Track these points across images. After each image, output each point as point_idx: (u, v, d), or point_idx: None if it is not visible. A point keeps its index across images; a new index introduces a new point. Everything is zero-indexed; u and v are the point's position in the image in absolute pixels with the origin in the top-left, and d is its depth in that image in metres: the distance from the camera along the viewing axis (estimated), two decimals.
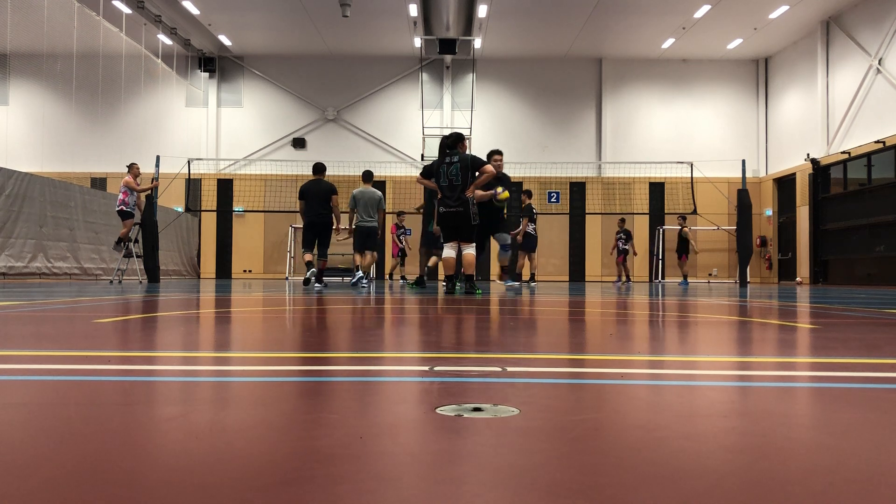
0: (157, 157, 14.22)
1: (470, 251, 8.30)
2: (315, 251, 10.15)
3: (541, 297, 7.73)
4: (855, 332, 3.43)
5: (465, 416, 1.32)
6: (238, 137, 22.86)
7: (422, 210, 11.89)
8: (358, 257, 11.18)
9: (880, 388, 1.77)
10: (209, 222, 22.49)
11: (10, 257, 12.66)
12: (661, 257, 21.49)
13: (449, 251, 8.37)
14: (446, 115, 22.61)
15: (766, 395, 1.66)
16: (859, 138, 17.87)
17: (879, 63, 17.19)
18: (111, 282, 12.86)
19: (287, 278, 20.46)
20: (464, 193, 8.17)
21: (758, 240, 22.20)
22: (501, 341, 2.94)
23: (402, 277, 15.51)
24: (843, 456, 1.08)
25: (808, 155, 19.63)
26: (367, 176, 11.16)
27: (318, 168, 10.21)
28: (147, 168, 14.04)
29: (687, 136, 22.66)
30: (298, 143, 22.78)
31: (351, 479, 0.93)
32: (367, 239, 10.99)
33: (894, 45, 16.78)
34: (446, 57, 21.82)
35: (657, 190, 22.32)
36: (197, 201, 21.36)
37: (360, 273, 10.89)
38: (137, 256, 12.88)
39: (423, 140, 21.16)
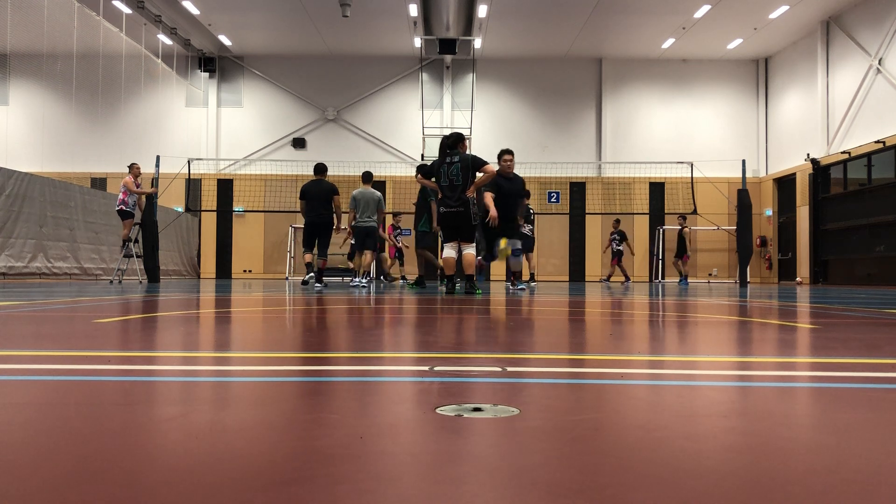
0: (157, 157, 14.23)
1: (470, 251, 8.31)
2: (315, 251, 10.27)
3: (541, 297, 7.73)
4: (855, 332, 3.43)
5: (465, 416, 1.32)
6: (238, 137, 22.86)
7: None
8: (357, 257, 11.36)
9: (880, 388, 1.77)
10: (209, 222, 22.49)
11: (10, 257, 12.66)
12: (660, 257, 21.50)
13: (449, 251, 8.37)
14: (446, 115, 22.61)
15: (767, 395, 1.66)
16: (859, 138, 17.87)
17: (879, 63, 17.19)
18: (111, 282, 12.86)
19: (287, 278, 20.46)
20: (464, 193, 8.17)
21: (758, 240, 22.20)
22: (501, 341, 2.94)
23: (402, 277, 15.51)
24: (843, 456, 1.08)
25: (808, 155, 19.63)
26: (367, 177, 11.29)
27: (320, 168, 10.33)
28: (147, 168, 14.04)
29: (687, 136, 22.66)
30: (298, 143, 22.78)
31: (351, 479, 0.93)
32: (366, 238, 11.10)
33: (894, 45, 16.78)
34: (446, 57, 21.81)
35: (657, 190, 22.32)
36: (197, 201, 21.36)
37: (360, 280, 10.98)
38: (137, 256, 12.88)
39: (423, 140, 21.16)
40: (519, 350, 2.55)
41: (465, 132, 19.68)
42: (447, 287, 8.29)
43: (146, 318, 4.06)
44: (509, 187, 8.97)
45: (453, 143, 8.35)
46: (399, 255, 16.21)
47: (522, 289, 9.24)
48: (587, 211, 21.79)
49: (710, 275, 22.60)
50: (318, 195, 10.02)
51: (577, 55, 22.53)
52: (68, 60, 17.27)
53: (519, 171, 10.33)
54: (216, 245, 22.62)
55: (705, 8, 18.39)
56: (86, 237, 15.21)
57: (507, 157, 9.17)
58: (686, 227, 17.88)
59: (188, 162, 16.32)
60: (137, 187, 12.73)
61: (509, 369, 1.95)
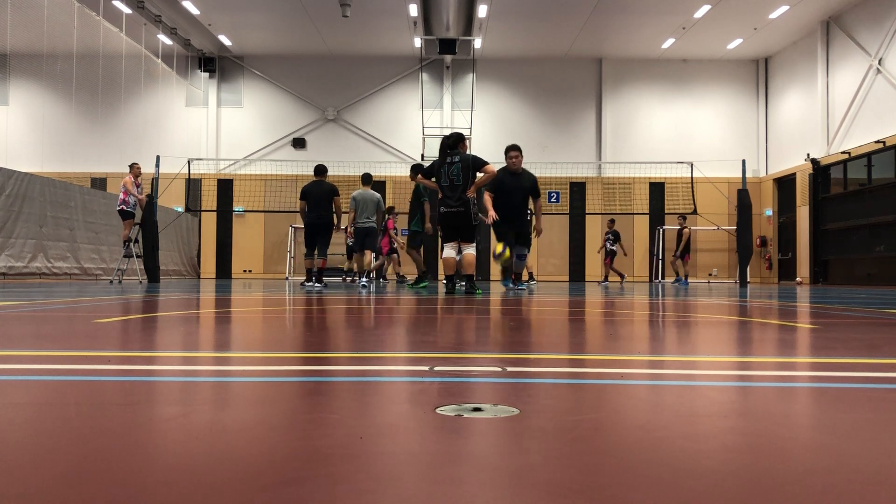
0: (157, 157, 14.23)
1: (470, 251, 8.31)
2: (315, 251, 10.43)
3: (540, 297, 7.73)
4: (855, 332, 3.43)
5: (465, 416, 1.32)
6: (238, 137, 22.86)
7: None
8: (357, 257, 11.55)
9: (880, 388, 1.77)
10: (209, 222, 22.49)
11: (10, 257, 12.66)
12: (660, 257, 21.50)
13: (449, 251, 8.37)
14: (446, 115, 22.61)
15: (766, 395, 1.66)
16: (859, 138, 17.87)
17: (879, 63, 17.19)
18: (111, 282, 12.86)
19: (287, 278, 20.46)
20: (465, 194, 8.17)
21: (758, 240, 22.20)
22: (501, 341, 2.94)
23: (401, 277, 15.51)
24: (843, 456, 1.08)
25: (808, 155, 19.63)
26: (367, 178, 11.47)
27: (320, 170, 10.49)
28: (147, 168, 14.04)
29: (687, 136, 22.66)
30: (298, 143, 22.78)
31: (351, 479, 0.93)
32: (366, 239, 11.25)
33: (894, 45, 16.78)
34: (446, 57, 21.82)
35: (657, 190, 22.32)
36: (197, 201, 21.36)
37: (362, 280, 11.05)
38: (137, 256, 12.89)
39: (423, 140, 21.17)
40: (519, 350, 2.55)
41: (465, 132, 19.68)
42: (447, 287, 8.28)
43: (146, 319, 4.06)
44: (513, 184, 8.73)
45: (454, 143, 8.36)
46: (392, 252, 16.21)
47: (522, 289, 9.19)
48: (587, 211, 21.79)
49: (710, 275, 22.61)
50: (319, 196, 10.19)
51: (577, 55, 22.53)
52: (68, 60, 17.27)
53: None
54: (216, 245, 22.62)
55: (705, 8, 18.39)
56: (86, 237, 15.21)
57: (512, 153, 8.88)
58: (686, 227, 17.88)
59: (188, 162, 16.32)
60: (138, 187, 12.73)
61: (509, 369, 1.95)
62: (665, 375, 2.00)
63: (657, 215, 21.85)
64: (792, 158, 20.96)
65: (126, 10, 18.16)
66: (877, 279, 17.17)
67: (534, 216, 9.35)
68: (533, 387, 1.70)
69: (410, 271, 17.19)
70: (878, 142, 17.02)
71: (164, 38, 20.26)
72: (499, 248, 8.50)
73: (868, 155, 17.61)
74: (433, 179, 8.51)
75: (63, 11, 16.01)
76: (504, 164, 8.92)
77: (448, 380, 1.74)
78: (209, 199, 21.99)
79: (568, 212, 21.98)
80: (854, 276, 18.14)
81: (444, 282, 8.54)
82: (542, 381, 1.79)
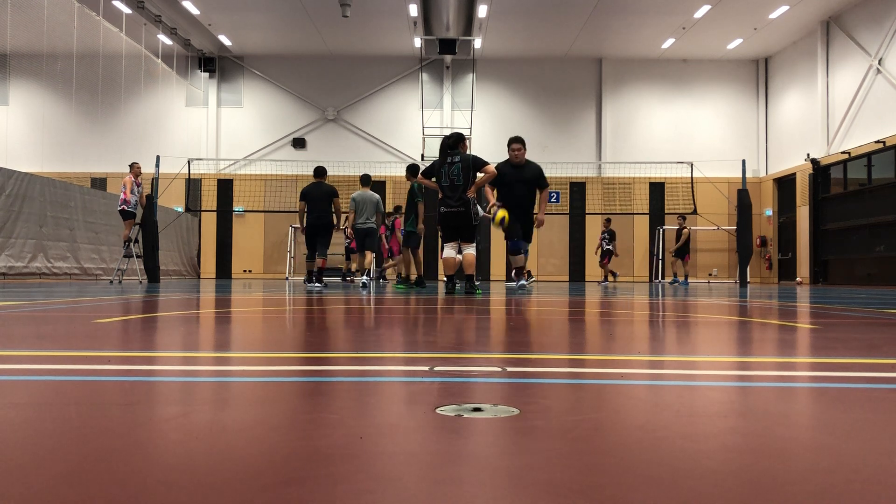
0: (157, 157, 14.23)
1: (470, 251, 8.31)
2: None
3: (540, 297, 7.73)
4: (855, 332, 3.43)
5: (465, 416, 1.32)
6: (238, 137, 22.86)
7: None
8: (358, 258, 11.62)
9: (880, 388, 1.77)
10: (209, 222, 22.49)
11: (10, 257, 12.66)
12: (660, 257, 21.49)
13: (449, 251, 8.37)
14: (446, 115, 22.61)
15: (766, 396, 1.66)
16: (859, 138, 17.87)
17: (879, 63, 17.19)
18: (111, 282, 12.87)
19: (287, 278, 20.46)
20: (465, 194, 8.17)
21: (758, 240, 22.20)
22: (501, 341, 2.94)
23: (400, 276, 15.51)
24: (842, 456, 1.08)
25: (808, 155, 19.63)
26: (366, 179, 11.54)
27: (319, 171, 10.63)
28: (147, 168, 14.05)
29: (687, 136, 22.66)
30: (298, 143, 22.78)
31: (351, 479, 0.93)
32: (366, 240, 11.30)
33: (894, 45, 16.78)
34: (446, 57, 21.82)
35: (657, 190, 22.32)
36: (197, 201, 21.36)
37: (364, 279, 11.09)
38: (137, 256, 12.89)
39: (423, 140, 21.16)
40: (519, 350, 2.55)
41: (466, 132, 19.67)
42: (447, 287, 8.28)
43: (146, 319, 4.06)
44: (514, 176, 8.55)
45: (454, 144, 8.36)
46: (390, 253, 16.23)
47: (523, 286, 9.09)
48: (587, 211, 21.78)
49: (710, 275, 22.61)
50: (319, 197, 10.31)
51: (577, 55, 22.53)
52: (68, 60, 17.27)
53: None
54: (216, 245, 22.62)
55: (705, 8, 18.39)
56: (86, 237, 15.21)
57: (514, 145, 8.66)
58: (685, 227, 17.87)
59: (188, 162, 16.32)
60: (138, 186, 12.73)
61: (509, 369, 1.95)
62: (665, 375, 2.00)
63: (657, 215, 21.84)
64: (792, 158, 20.96)
65: (126, 10, 18.16)
66: (877, 279, 17.16)
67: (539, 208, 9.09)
68: (533, 387, 1.70)
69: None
70: (878, 142, 17.02)
71: (164, 38, 20.26)
72: (499, 214, 8.26)
73: (868, 155, 17.61)
74: (433, 179, 8.50)
75: (63, 11, 16.01)
76: (507, 158, 8.78)
77: (448, 380, 1.74)
78: (209, 199, 21.99)
79: (568, 212, 21.98)
80: (854, 276, 18.14)
81: (445, 282, 8.53)
82: (542, 381, 1.79)
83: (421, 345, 2.75)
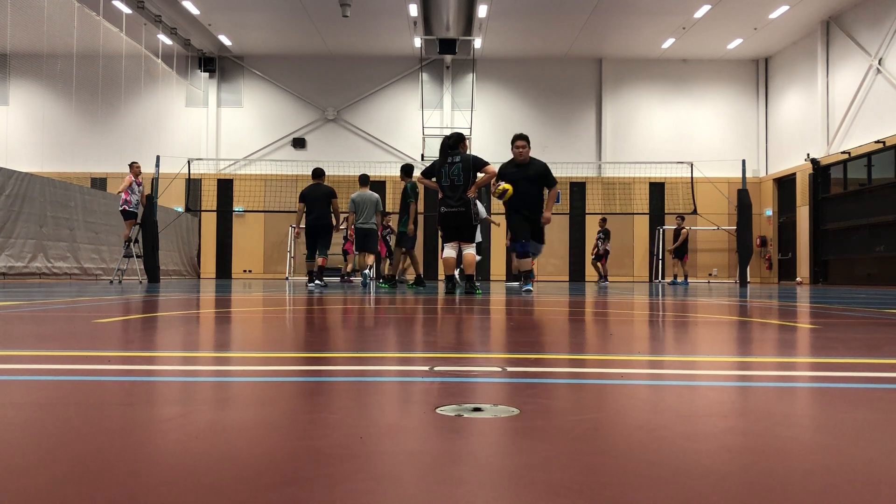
0: (157, 157, 14.23)
1: (470, 251, 8.31)
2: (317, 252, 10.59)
3: (540, 297, 7.73)
4: (855, 332, 3.43)
5: (465, 416, 1.32)
6: (238, 137, 22.86)
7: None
8: (360, 258, 11.65)
9: (880, 388, 1.77)
10: (209, 222, 22.49)
11: (10, 257, 12.66)
12: (661, 257, 21.50)
13: (449, 251, 8.36)
14: (446, 115, 22.61)
15: (767, 395, 1.66)
16: (859, 138, 17.87)
17: (879, 63, 17.19)
18: (111, 282, 12.87)
19: (287, 278, 20.46)
20: (465, 194, 8.17)
21: (758, 240, 22.20)
22: (501, 341, 2.94)
23: (403, 278, 15.51)
24: (843, 456, 1.08)
25: (808, 155, 19.63)
26: (364, 180, 11.57)
27: (317, 173, 10.75)
28: (147, 168, 14.05)
29: (687, 136, 22.66)
30: (298, 143, 22.78)
31: (351, 479, 0.93)
32: (366, 240, 11.31)
33: (894, 45, 16.78)
34: (446, 57, 21.82)
35: (657, 190, 22.32)
36: (197, 201, 21.36)
37: (366, 272, 11.13)
38: (137, 256, 12.89)
39: (423, 140, 21.16)
40: (519, 350, 2.55)
41: (465, 132, 19.67)
42: (447, 287, 8.28)
43: (146, 319, 4.06)
44: (518, 175, 8.20)
45: (454, 144, 8.36)
46: (388, 254, 16.22)
47: (529, 290, 8.90)
48: (587, 211, 21.78)
49: (710, 275, 22.61)
50: (318, 198, 10.42)
51: (577, 55, 22.53)
52: (68, 60, 17.27)
53: None
54: (216, 245, 22.62)
55: (705, 8, 18.39)
56: (86, 237, 15.21)
57: (518, 143, 8.27)
58: (684, 227, 17.87)
59: (188, 162, 16.32)
60: (139, 186, 12.73)
61: (509, 369, 1.95)
62: (665, 375, 2.00)
63: (657, 215, 21.84)
64: (792, 158, 20.96)
65: (126, 10, 18.16)
66: (877, 279, 17.16)
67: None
68: (533, 387, 1.70)
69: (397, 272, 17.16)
70: (878, 142, 17.02)
71: (164, 38, 20.26)
72: (502, 187, 7.95)
73: (868, 155, 17.61)
74: (433, 179, 8.49)
75: (63, 11, 16.01)
76: (510, 158, 8.45)
77: (448, 380, 1.74)
78: (209, 199, 21.99)
79: (568, 212, 21.98)
80: (854, 276, 18.14)
81: (445, 281, 8.53)
82: (542, 381, 1.79)
83: (421, 345, 2.75)
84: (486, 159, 8.43)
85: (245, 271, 22.52)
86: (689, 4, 18.31)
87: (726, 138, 22.72)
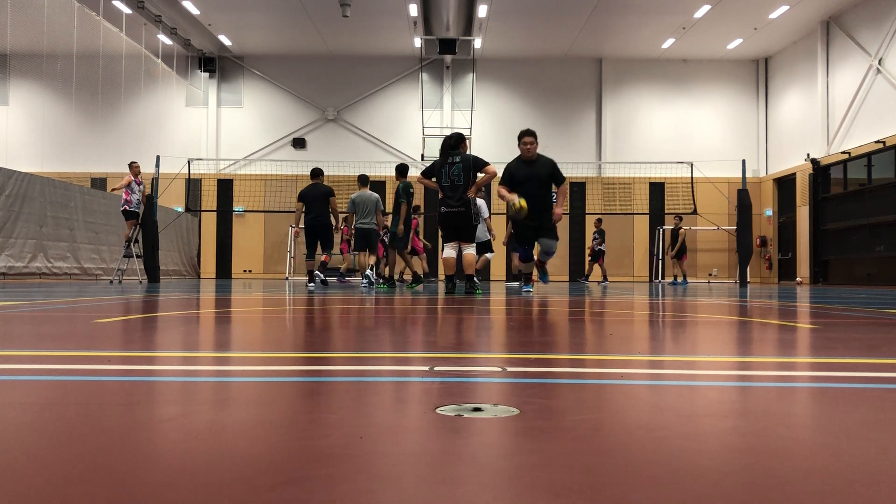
0: (157, 157, 14.23)
1: (470, 251, 8.31)
2: (318, 250, 10.70)
3: (540, 297, 7.73)
4: (855, 332, 3.43)
5: (465, 416, 1.32)
6: (238, 137, 22.86)
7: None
8: (360, 258, 11.62)
9: (880, 388, 1.77)
10: (209, 222, 22.49)
11: (10, 257, 12.66)
12: (660, 257, 21.50)
13: (449, 251, 8.37)
14: (446, 115, 22.61)
15: (767, 396, 1.66)
16: (859, 138, 17.87)
17: (879, 63, 17.19)
18: (111, 282, 12.87)
19: (287, 278, 20.46)
20: (465, 194, 8.16)
21: (758, 240, 22.20)
22: (501, 341, 2.94)
23: (400, 277, 15.51)
24: (843, 456, 1.08)
25: (808, 155, 19.63)
26: (363, 180, 11.57)
27: (316, 173, 10.78)
28: (147, 168, 14.05)
29: (687, 136, 22.66)
30: (298, 143, 22.78)
31: (351, 479, 0.93)
32: (366, 240, 11.29)
33: (894, 45, 16.78)
34: (446, 57, 21.82)
35: (657, 190, 22.32)
36: (197, 201, 21.36)
37: (368, 273, 11.12)
38: (137, 256, 12.89)
39: (423, 140, 21.16)
40: (519, 350, 2.55)
41: (466, 132, 19.67)
42: (447, 287, 8.28)
43: (146, 319, 4.06)
44: (526, 173, 7.93)
45: (455, 144, 8.36)
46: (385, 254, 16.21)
47: (529, 291, 8.95)
48: (587, 211, 21.78)
49: (710, 275, 22.61)
50: (316, 198, 10.45)
51: (577, 55, 22.53)
52: (68, 60, 17.27)
53: None
54: (216, 245, 22.62)
55: (705, 8, 18.39)
56: (86, 237, 15.21)
57: (526, 139, 7.97)
58: (682, 227, 17.87)
59: (188, 162, 16.33)
60: (139, 185, 12.73)
61: (509, 369, 1.95)
62: (665, 375, 2.00)
63: (657, 215, 21.84)
64: (792, 158, 20.96)
65: (126, 10, 18.16)
66: (877, 279, 17.16)
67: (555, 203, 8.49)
68: (533, 387, 1.70)
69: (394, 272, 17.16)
70: (878, 142, 17.02)
71: (164, 38, 20.26)
72: (516, 203, 7.62)
73: (868, 155, 17.61)
74: (433, 179, 8.49)
75: (63, 11, 16.00)
76: (517, 155, 8.19)
77: (448, 380, 1.74)
78: (209, 199, 21.99)
79: (568, 212, 21.96)
80: (854, 276, 18.14)
81: (445, 281, 8.52)
82: (542, 381, 1.79)
83: (421, 345, 2.75)
84: (486, 159, 8.44)
85: (245, 271, 22.52)
86: (689, 4, 18.31)
87: (726, 138, 22.72)
